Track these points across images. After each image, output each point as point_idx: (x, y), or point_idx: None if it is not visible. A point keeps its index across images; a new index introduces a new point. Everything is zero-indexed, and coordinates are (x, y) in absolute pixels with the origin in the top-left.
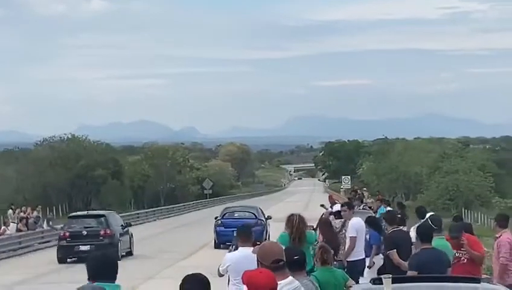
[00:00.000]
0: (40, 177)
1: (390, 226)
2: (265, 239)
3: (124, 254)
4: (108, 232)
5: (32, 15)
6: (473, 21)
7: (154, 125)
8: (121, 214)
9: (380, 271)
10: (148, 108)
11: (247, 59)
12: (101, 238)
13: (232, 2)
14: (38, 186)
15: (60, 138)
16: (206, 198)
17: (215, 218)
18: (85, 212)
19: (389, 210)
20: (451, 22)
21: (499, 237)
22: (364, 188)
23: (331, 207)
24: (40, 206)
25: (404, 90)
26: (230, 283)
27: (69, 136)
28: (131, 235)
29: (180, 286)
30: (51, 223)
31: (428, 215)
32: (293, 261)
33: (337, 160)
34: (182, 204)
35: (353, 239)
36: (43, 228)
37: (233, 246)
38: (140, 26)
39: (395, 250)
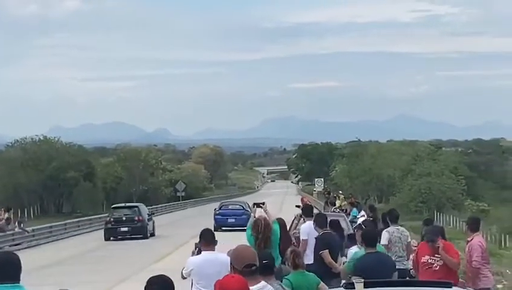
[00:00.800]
0: (11, 179)
1: (321, 229)
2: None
3: (149, 234)
4: (140, 218)
5: (4, 15)
6: (444, 24)
7: (127, 126)
8: (92, 217)
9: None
10: (120, 109)
11: (221, 60)
12: (135, 222)
13: (206, 3)
14: (10, 188)
15: (32, 139)
16: (179, 200)
17: (215, 209)
18: (123, 204)
19: (318, 213)
20: (423, 25)
21: (471, 240)
22: (340, 191)
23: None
24: (12, 209)
25: (377, 92)
26: (193, 286)
27: (41, 138)
28: (154, 221)
29: (145, 287)
30: (22, 225)
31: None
32: (262, 265)
33: (310, 162)
34: (154, 206)
35: (304, 242)
36: (14, 230)
37: (197, 249)
38: (114, 27)
39: (327, 250)
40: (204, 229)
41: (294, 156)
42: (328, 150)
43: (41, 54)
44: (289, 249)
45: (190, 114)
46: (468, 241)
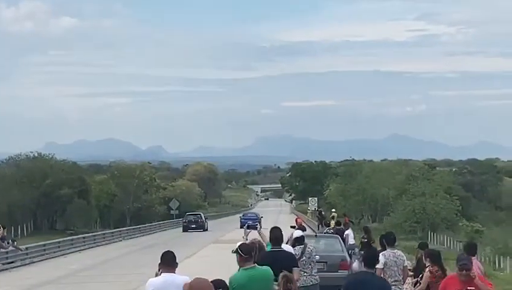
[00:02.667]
0: (5, 196)
1: (273, 246)
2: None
3: (206, 229)
4: (201, 220)
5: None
6: (440, 44)
7: (121, 143)
8: (86, 234)
9: None
10: (115, 126)
11: (215, 78)
12: (199, 222)
13: (201, 21)
14: (3, 205)
15: (26, 156)
16: (173, 218)
17: (240, 216)
18: (192, 212)
19: (275, 227)
20: (419, 44)
21: None
22: (333, 209)
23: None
24: (5, 227)
25: (372, 111)
26: None
27: (36, 154)
28: (207, 222)
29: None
30: (15, 243)
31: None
32: None
33: (304, 181)
34: (148, 224)
35: None
36: (8, 248)
37: (160, 271)
38: (110, 44)
39: None
40: (165, 251)
41: (288, 175)
42: (322, 168)
43: (36, 71)
44: (281, 274)
45: (184, 132)
46: None
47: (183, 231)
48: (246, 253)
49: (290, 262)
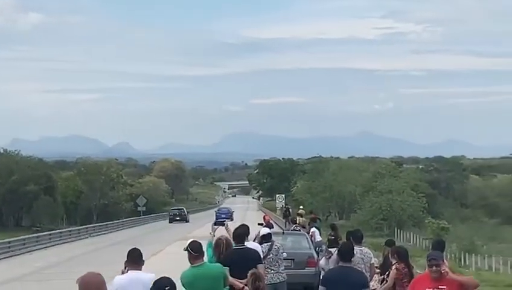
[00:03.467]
0: None
1: (237, 244)
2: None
3: (188, 221)
4: (184, 213)
5: None
6: (407, 42)
7: (88, 140)
8: (52, 231)
9: None
10: (82, 123)
11: (183, 75)
12: (182, 215)
13: (168, 18)
14: None
15: None
16: (140, 215)
17: (215, 211)
18: (176, 207)
19: (241, 225)
20: (386, 42)
21: None
22: (301, 206)
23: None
24: None
25: (339, 109)
26: None
27: (1, 151)
28: (189, 215)
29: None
30: None
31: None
32: None
33: (271, 178)
34: (115, 221)
35: None
36: None
37: (126, 268)
38: (77, 40)
39: (227, 268)
40: (131, 249)
41: (255, 172)
42: (289, 165)
43: (2, 66)
44: (250, 272)
45: (152, 128)
46: None
47: (170, 222)
48: (195, 251)
49: (254, 259)
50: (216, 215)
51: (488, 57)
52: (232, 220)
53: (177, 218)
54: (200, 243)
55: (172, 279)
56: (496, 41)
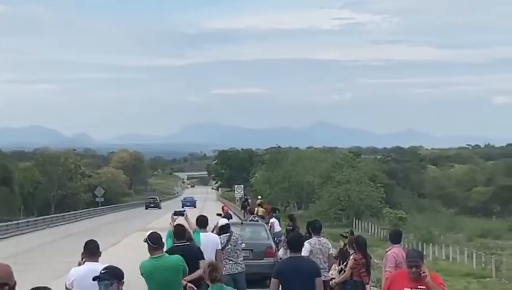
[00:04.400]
0: None
1: (178, 241)
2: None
3: (160, 208)
4: (157, 201)
5: None
6: (365, 32)
7: (46, 130)
8: (9, 222)
9: None
10: (40, 113)
11: (142, 65)
12: (156, 202)
13: (128, 8)
14: None
15: None
16: (98, 206)
17: (181, 200)
18: (151, 196)
19: (179, 224)
20: (344, 33)
21: (388, 251)
22: (259, 197)
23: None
24: None
25: (298, 99)
26: None
27: None
28: (161, 202)
29: None
30: None
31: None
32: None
33: (230, 168)
34: (73, 212)
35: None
36: None
37: (83, 260)
38: (37, 31)
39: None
40: (88, 240)
41: (214, 162)
42: (248, 156)
43: None
44: (207, 262)
45: (110, 119)
46: (386, 252)
47: (145, 209)
48: (154, 242)
49: (194, 255)
50: (182, 203)
51: (446, 48)
52: (195, 207)
53: (152, 205)
54: (159, 235)
55: (128, 269)
56: (455, 32)
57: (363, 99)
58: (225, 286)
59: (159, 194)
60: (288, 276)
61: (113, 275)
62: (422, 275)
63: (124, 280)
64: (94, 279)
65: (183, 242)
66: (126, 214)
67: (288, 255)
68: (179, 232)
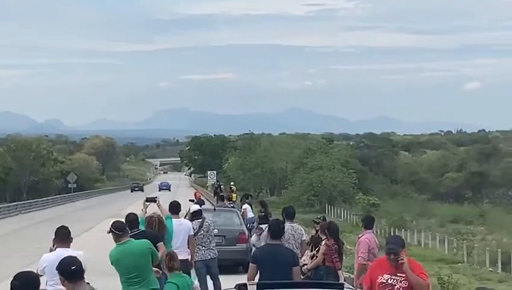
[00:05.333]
0: None
1: (131, 230)
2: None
3: (143, 191)
4: (141, 185)
5: None
6: (338, 18)
7: (17, 116)
8: None
9: None
10: (11, 99)
11: (114, 51)
12: (139, 186)
13: None
14: None
15: None
16: (70, 192)
17: (158, 184)
18: (135, 181)
19: (130, 213)
20: (317, 19)
21: (361, 236)
22: (232, 183)
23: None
24: None
25: (270, 85)
26: (47, 283)
27: None
28: (143, 186)
29: (10, 282)
30: None
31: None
32: (71, 271)
33: (203, 154)
34: (45, 198)
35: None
36: None
37: (54, 246)
38: (7, 15)
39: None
40: (59, 227)
41: (187, 148)
42: (220, 142)
43: None
44: (166, 252)
45: (82, 105)
46: (358, 238)
47: (131, 191)
48: (118, 229)
49: (151, 240)
50: (159, 187)
51: (419, 34)
52: (170, 191)
53: (136, 188)
54: (122, 222)
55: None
56: (428, 18)
57: (335, 85)
58: (183, 273)
59: (131, 181)
60: (266, 262)
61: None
62: (400, 262)
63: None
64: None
65: (137, 230)
66: (99, 200)
67: (268, 242)
68: (132, 221)
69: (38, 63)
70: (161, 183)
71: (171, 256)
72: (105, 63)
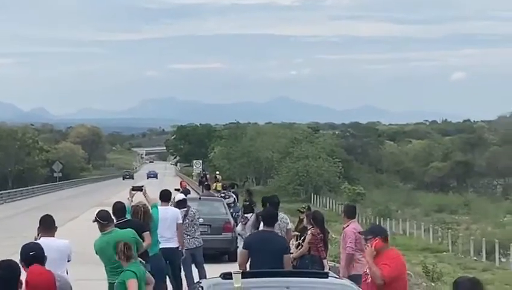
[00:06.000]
0: None
1: (117, 219)
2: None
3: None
4: (131, 173)
5: None
6: (325, 8)
7: (3, 105)
8: None
9: None
10: None
11: (101, 40)
12: (130, 174)
13: None
14: None
15: None
16: (56, 181)
17: (147, 173)
18: (127, 170)
19: (117, 201)
20: (304, 9)
21: (346, 227)
22: (217, 172)
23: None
24: None
25: (258, 75)
26: None
27: None
28: (133, 174)
29: None
30: None
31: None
32: (30, 257)
33: (188, 144)
34: (30, 187)
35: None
36: None
37: (39, 235)
38: None
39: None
40: (44, 215)
41: (173, 137)
42: (207, 131)
43: None
44: (122, 242)
45: (69, 93)
46: (344, 228)
47: (123, 179)
48: (104, 219)
49: (136, 229)
50: (147, 175)
51: (405, 24)
52: (157, 178)
53: (127, 176)
54: (107, 211)
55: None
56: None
57: (322, 75)
58: (140, 261)
59: (117, 170)
60: (258, 248)
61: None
62: (365, 248)
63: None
64: None
65: (123, 219)
66: (85, 188)
67: (263, 228)
68: (119, 209)
69: (24, 52)
70: (149, 172)
71: (127, 246)
72: (92, 52)
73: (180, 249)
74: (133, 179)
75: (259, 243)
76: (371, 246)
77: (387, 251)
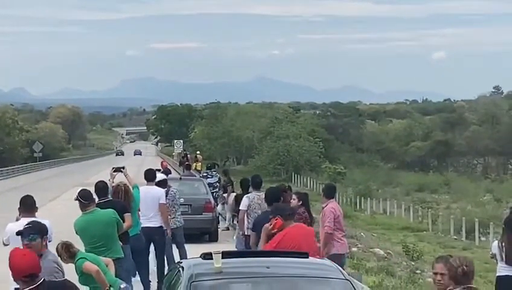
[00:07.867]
0: None
1: (100, 198)
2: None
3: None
4: (122, 151)
5: None
6: None
7: None
8: None
9: None
10: None
11: (80, 19)
12: (122, 151)
13: None
14: None
15: None
16: (36, 161)
17: (134, 151)
18: (118, 150)
19: (99, 181)
20: None
21: (325, 207)
22: (198, 152)
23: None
24: None
25: (238, 54)
26: None
27: None
28: (124, 152)
29: None
30: None
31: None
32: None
33: (169, 124)
34: (10, 167)
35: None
36: None
37: (20, 215)
38: None
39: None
40: (24, 196)
41: (153, 117)
42: (187, 111)
43: None
44: (59, 243)
45: (48, 73)
46: (323, 208)
47: (116, 155)
48: (85, 199)
49: (118, 210)
50: (134, 152)
51: (386, 4)
52: (141, 155)
53: (119, 153)
54: (89, 191)
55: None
56: None
57: (303, 54)
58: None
59: (97, 150)
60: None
61: (36, 230)
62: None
63: (48, 236)
64: (18, 234)
65: (105, 199)
66: (65, 168)
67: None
68: (101, 188)
69: (3, 32)
70: (135, 150)
71: (67, 244)
72: (72, 32)
73: (165, 228)
74: (123, 155)
75: (264, 223)
76: (270, 225)
77: (287, 228)
